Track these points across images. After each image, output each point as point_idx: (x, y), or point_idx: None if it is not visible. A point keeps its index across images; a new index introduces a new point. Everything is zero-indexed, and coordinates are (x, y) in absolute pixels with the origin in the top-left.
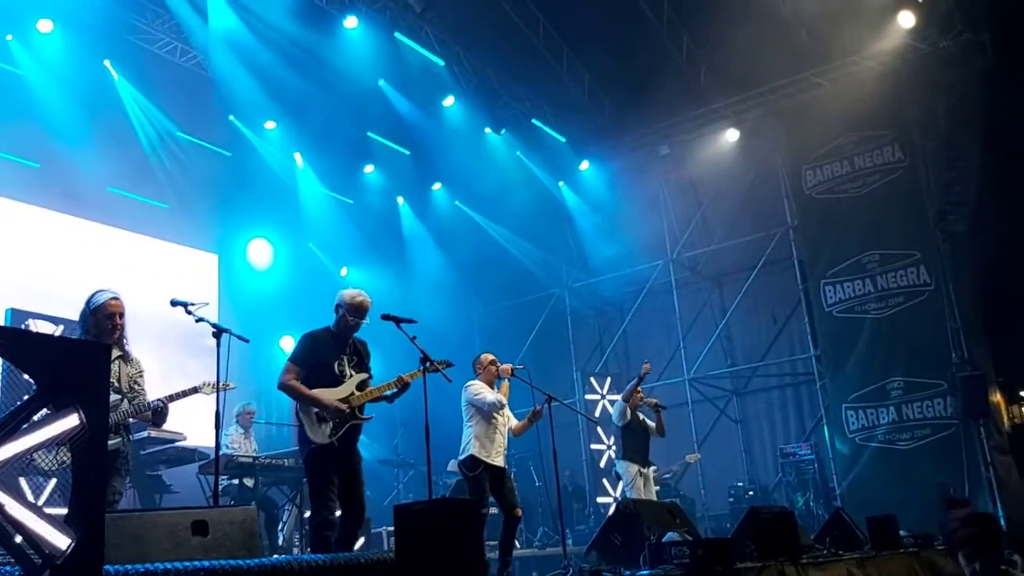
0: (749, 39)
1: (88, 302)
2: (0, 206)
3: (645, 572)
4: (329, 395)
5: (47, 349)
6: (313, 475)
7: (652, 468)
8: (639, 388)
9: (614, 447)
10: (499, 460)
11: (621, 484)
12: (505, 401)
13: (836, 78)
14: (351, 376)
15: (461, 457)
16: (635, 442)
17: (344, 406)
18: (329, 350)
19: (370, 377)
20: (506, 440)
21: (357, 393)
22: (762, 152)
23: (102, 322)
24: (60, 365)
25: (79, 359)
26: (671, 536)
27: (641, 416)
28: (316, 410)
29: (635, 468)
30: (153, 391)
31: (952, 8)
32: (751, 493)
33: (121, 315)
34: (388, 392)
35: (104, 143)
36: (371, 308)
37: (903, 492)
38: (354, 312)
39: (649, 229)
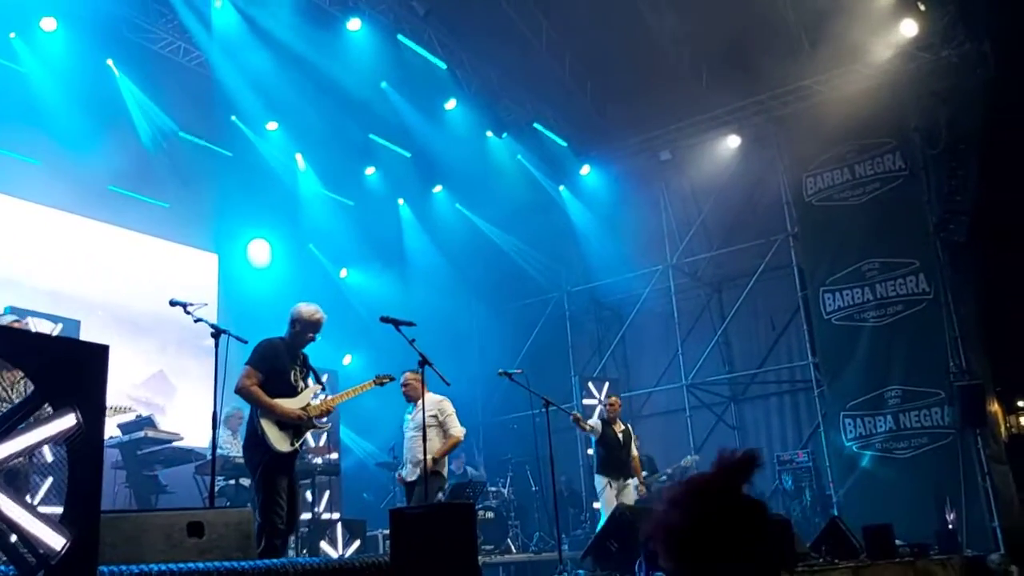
0: (751, 46)
1: None
2: (0, 203)
3: None
4: (289, 405)
5: (45, 349)
6: (269, 484)
7: (631, 480)
8: (616, 398)
9: None
10: (407, 474)
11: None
12: (414, 414)
13: (838, 86)
14: (303, 387)
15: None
16: (606, 455)
17: (304, 413)
18: (285, 359)
19: (322, 389)
20: (414, 452)
21: (313, 403)
22: (763, 159)
23: None
24: (57, 365)
25: (76, 359)
26: None
27: (623, 427)
28: (277, 418)
29: (605, 480)
30: (153, 390)
31: (954, 18)
32: None
33: None
34: (339, 403)
35: (105, 142)
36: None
37: (900, 501)
38: (314, 328)
39: (649, 234)
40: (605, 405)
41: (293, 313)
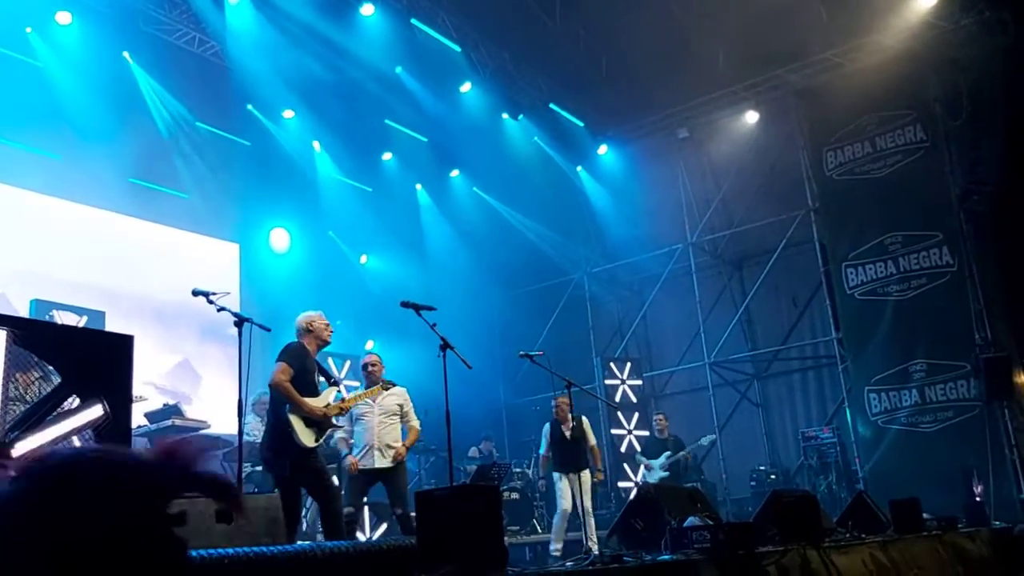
0: (768, 19)
1: None
2: (22, 198)
3: (666, 556)
4: (315, 403)
5: (70, 340)
6: (315, 470)
7: (586, 471)
8: (563, 398)
9: (635, 432)
10: (377, 461)
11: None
12: (379, 399)
13: (857, 58)
14: (324, 388)
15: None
16: (557, 453)
17: (327, 412)
18: (310, 362)
19: (339, 391)
20: (384, 439)
21: (332, 404)
22: (782, 134)
23: None
24: (84, 356)
25: (102, 350)
26: (692, 520)
27: (573, 422)
28: (304, 414)
29: (558, 475)
30: (179, 379)
31: None
32: (773, 477)
33: None
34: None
35: (124, 134)
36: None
37: (926, 475)
38: (323, 329)
39: (668, 213)
40: (553, 407)
41: (302, 322)
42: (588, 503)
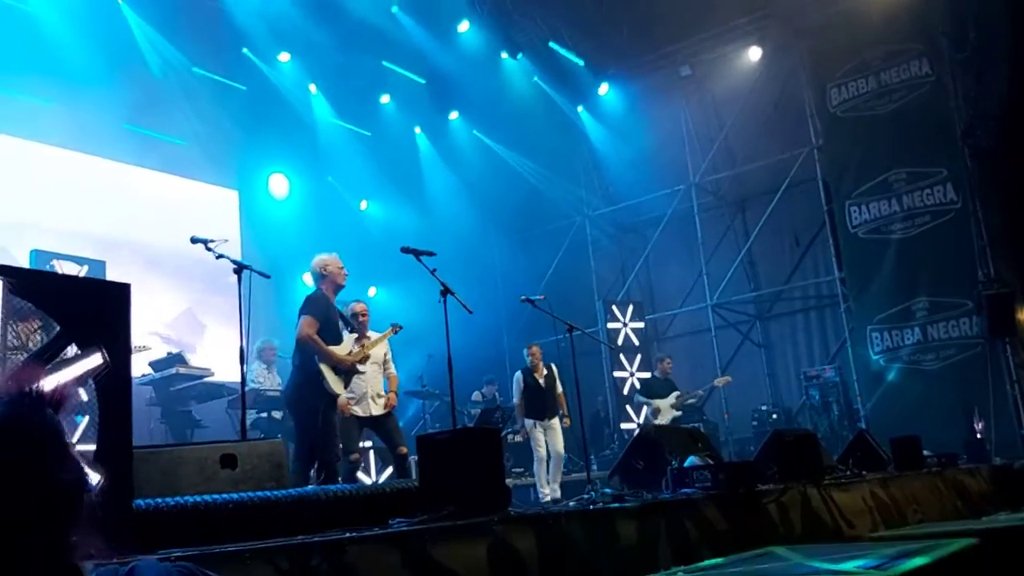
0: None
1: None
2: (18, 147)
3: (666, 495)
4: (340, 352)
5: (67, 289)
6: (329, 423)
7: (556, 418)
8: (536, 347)
9: (637, 374)
10: (374, 408)
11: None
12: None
13: None
14: (346, 335)
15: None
16: (530, 400)
17: (353, 360)
18: (333, 310)
19: (357, 337)
20: (377, 387)
21: (355, 350)
22: (785, 70)
23: None
24: (82, 305)
25: (100, 298)
26: (693, 460)
27: (546, 371)
28: (334, 364)
29: (532, 422)
30: (182, 327)
31: None
32: (775, 416)
33: None
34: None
35: (118, 80)
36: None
37: (928, 412)
38: (342, 277)
39: (670, 153)
40: (527, 355)
41: (318, 267)
42: (561, 448)
